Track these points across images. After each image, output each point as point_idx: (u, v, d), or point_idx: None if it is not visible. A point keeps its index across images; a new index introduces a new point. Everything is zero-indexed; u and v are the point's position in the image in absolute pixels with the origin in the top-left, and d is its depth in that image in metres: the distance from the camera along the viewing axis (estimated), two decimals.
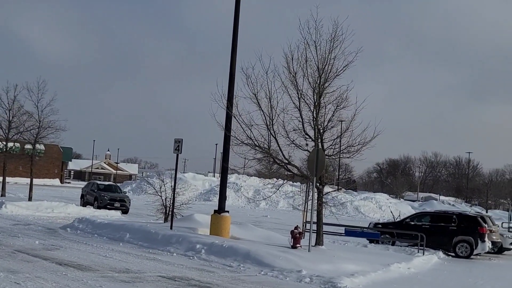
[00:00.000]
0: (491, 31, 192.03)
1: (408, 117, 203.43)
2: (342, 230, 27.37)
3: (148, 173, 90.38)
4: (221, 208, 21.25)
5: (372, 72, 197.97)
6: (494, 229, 26.20)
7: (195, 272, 14.07)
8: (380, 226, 27.88)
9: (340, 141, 20.70)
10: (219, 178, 23.45)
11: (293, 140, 20.72)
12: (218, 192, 22.69)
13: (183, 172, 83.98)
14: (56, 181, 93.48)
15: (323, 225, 21.22)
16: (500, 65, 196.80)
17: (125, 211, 35.57)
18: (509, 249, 27.62)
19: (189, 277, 13.17)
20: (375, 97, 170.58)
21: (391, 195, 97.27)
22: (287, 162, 21.03)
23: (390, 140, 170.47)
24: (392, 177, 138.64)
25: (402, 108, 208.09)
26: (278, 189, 26.07)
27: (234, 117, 20.75)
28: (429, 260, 21.45)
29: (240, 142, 20.71)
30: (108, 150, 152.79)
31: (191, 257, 16.60)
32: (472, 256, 24.33)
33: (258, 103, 20.68)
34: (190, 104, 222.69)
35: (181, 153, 22.13)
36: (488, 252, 25.39)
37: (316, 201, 20.01)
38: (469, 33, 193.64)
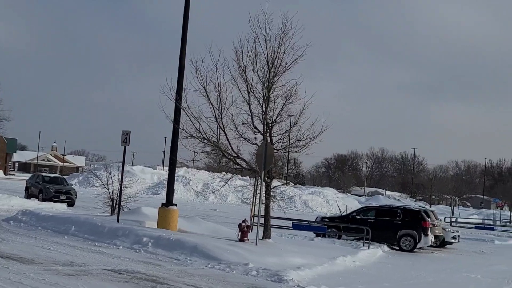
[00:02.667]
0: (445, 32, 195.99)
1: (358, 114, 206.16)
2: (289, 223, 27.61)
3: (95, 166, 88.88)
4: (168, 201, 21.11)
5: (327, 69, 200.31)
6: (436, 223, 26.81)
7: (141, 265, 13.95)
8: (327, 220, 28.18)
9: (288, 135, 20.78)
10: (168, 171, 23.26)
11: (242, 134, 20.69)
12: (166, 185, 22.54)
13: (131, 165, 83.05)
14: (0, 173, 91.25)
15: (271, 219, 21.28)
16: (449, 65, 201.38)
17: (71, 204, 34.99)
18: (450, 243, 28.28)
19: (135, 270, 13.05)
20: (328, 93, 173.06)
21: (338, 190, 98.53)
22: (236, 155, 21.00)
23: (339, 136, 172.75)
24: (340, 172, 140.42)
25: (354, 105, 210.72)
26: (226, 182, 26.05)
27: (183, 109, 20.60)
28: (374, 253, 21.77)
29: (189, 135, 20.57)
30: (55, 142, 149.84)
31: (138, 250, 16.44)
32: (415, 250, 24.82)
33: (208, 96, 20.57)
34: (140, 97, 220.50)
35: (128, 145, 21.87)
36: (430, 246, 25.97)
37: (264, 195, 20.05)
38: (423, 33, 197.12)
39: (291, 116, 21.36)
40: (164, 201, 21.28)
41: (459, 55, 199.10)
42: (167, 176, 23.41)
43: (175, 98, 20.64)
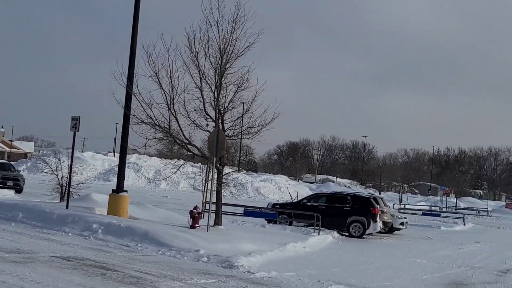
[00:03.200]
0: (396, 21, 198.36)
1: (310, 101, 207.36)
2: (241, 210, 27.73)
3: (44, 152, 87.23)
4: (119, 188, 20.89)
5: (280, 56, 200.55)
6: (385, 210, 27.28)
7: (90, 252, 13.80)
8: (278, 206, 28.37)
9: (241, 122, 20.79)
10: (119, 158, 23.00)
11: (194, 120, 20.59)
12: (117, 172, 22.30)
13: (82, 151, 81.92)
14: None
15: (222, 206, 21.31)
16: (399, 54, 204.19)
17: (18, 190, 34.26)
18: (398, 229, 28.84)
19: (84, 257, 12.90)
20: (281, 80, 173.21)
21: (290, 177, 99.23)
22: (187, 142, 20.92)
23: (291, 123, 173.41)
24: (291, 160, 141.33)
25: (306, 92, 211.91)
26: (178, 169, 25.92)
27: (134, 95, 20.38)
28: (324, 239, 22.03)
29: (140, 121, 20.36)
30: (2, 127, 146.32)
31: (87, 237, 16.25)
32: (364, 236, 25.22)
33: (159, 82, 20.38)
34: (91, 82, 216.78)
35: (78, 131, 21.50)
36: (379, 232, 26.41)
37: (216, 181, 20.04)
38: (375, 22, 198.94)
39: (243, 103, 21.39)
40: (115, 188, 21.08)
41: (409, 45, 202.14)
42: (118, 163, 23.14)
43: (126, 84, 20.37)
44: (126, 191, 20.97)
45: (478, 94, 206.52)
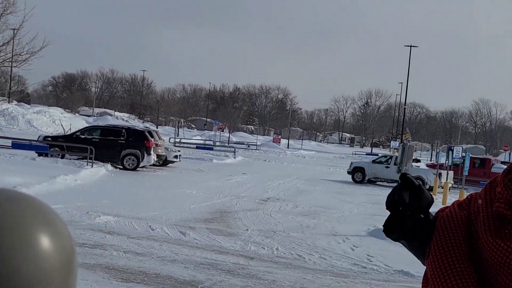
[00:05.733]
0: None
1: (89, 32, 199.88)
2: (9, 143, 26.27)
3: None
4: None
5: None
6: (160, 143, 27.57)
7: None
8: (49, 139, 27.31)
9: (6, 48, 19.52)
10: None
11: None
12: None
13: None
14: None
15: None
16: None
17: None
18: (172, 162, 29.45)
19: None
20: (60, 7, 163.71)
21: (66, 110, 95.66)
22: None
23: (67, 54, 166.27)
24: (68, 92, 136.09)
25: (85, 23, 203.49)
26: None
27: None
28: (97, 172, 21.80)
29: None
30: None
31: None
32: (138, 169, 25.39)
33: None
34: None
35: None
36: (153, 165, 26.75)
37: None
38: None
39: (14, 29, 20.06)
40: None
41: None
42: None
43: None
44: None
45: (255, 33, 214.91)
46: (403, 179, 1.94)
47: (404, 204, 1.93)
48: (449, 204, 2.08)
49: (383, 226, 2.10)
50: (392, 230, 2.09)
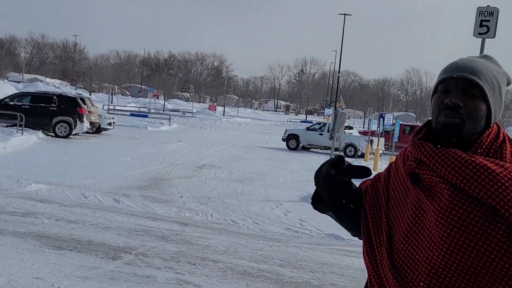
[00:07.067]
0: None
1: None
2: None
3: None
4: None
5: None
6: (93, 110, 27.09)
7: None
8: None
9: None
10: None
11: None
12: None
13: None
14: None
15: None
16: None
17: None
18: (106, 129, 29.03)
19: None
20: None
21: None
22: None
23: None
24: None
25: None
26: None
27: None
28: (28, 139, 21.29)
29: None
30: None
31: None
32: (71, 136, 24.92)
33: None
34: None
35: None
36: (86, 132, 26.33)
37: None
38: None
39: None
40: None
41: None
42: None
43: None
44: None
45: None
46: (339, 159, 2.06)
47: (330, 177, 2.03)
48: (375, 173, 2.23)
49: (311, 199, 2.21)
50: (318, 202, 2.22)
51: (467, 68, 1.95)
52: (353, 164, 2.04)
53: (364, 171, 2.03)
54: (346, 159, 2.10)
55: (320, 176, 2.07)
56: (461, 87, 1.93)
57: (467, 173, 1.81)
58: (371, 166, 21.26)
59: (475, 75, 1.93)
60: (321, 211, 2.26)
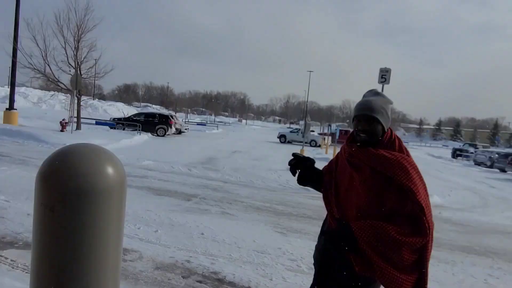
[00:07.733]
0: None
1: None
2: (93, 122, 25.46)
3: None
4: (11, 107, 17.76)
5: None
6: (177, 122, 27.14)
7: None
8: (117, 119, 26.53)
9: (94, 68, 18.72)
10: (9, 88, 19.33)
11: (61, 68, 18.06)
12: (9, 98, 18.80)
13: None
14: None
15: (81, 119, 19.34)
16: None
17: None
18: (184, 132, 29.06)
19: None
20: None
21: (126, 104, 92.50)
22: (57, 80, 18.32)
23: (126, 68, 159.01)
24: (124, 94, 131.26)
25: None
26: (52, 96, 22.76)
27: (19, 50, 17.08)
28: (142, 138, 21.17)
29: (23, 66, 17.28)
30: None
31: None
32: (165, 136, 24.92)
33: (36, 42, 17.34)
34: None
35: None
36: (174, 134, 26.33)
37: (77, 105, 18.05)
38: None
39: (96, 59, 19.21)
40: (8, 107, 17.84)
41: None
42: (9, 91, 19.52)
43: (13, 42, 16.96)
44: (16, 109, 17.92)
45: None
46: (294, 155, 2.22)
47: (290, 164, 2.21)
48: (328, 156, 2.22)
49: (297, 179, 2.31)
50: (299, 180, 2.30)
51: (366, 108, 1.97)
52: (303, 155, 2.20)
53: (307, 159, 2.19)
54: (309, 148, 2.22)
55: (289, 164, 2.21)
56: (365, 119, 1.97)
57: (374, 159, 1.90)
58: (324, 151, 21.09)
59: (372, 111, 1.97)
60: (302, 185, 2.35)
